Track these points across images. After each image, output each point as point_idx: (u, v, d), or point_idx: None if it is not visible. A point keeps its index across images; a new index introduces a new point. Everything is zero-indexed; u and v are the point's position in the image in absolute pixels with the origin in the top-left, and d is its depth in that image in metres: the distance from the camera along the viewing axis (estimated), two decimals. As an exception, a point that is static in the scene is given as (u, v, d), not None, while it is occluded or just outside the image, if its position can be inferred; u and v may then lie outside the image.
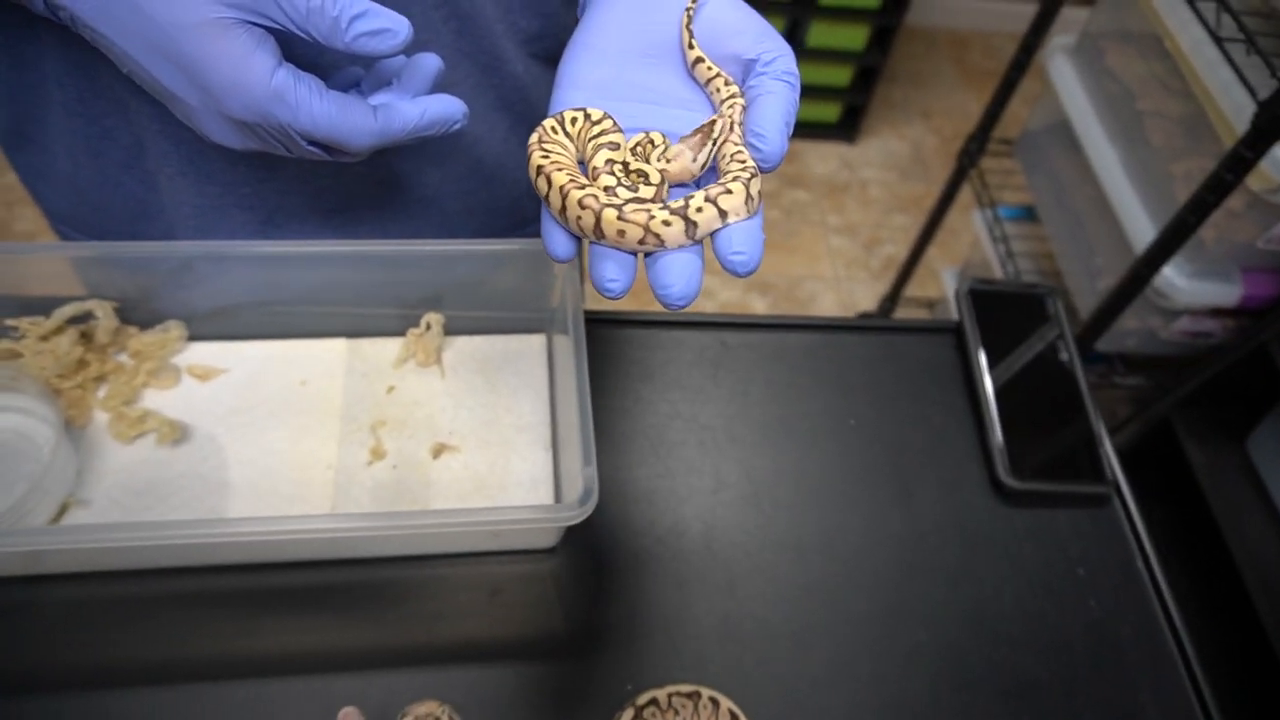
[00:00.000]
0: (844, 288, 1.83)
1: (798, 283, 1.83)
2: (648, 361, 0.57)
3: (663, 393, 0.56)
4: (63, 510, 0.46)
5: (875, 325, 0.63)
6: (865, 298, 1.81)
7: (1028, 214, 1.23)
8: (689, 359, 0.57)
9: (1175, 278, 0.94)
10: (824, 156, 2.06)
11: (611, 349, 0.57)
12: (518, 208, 0.59)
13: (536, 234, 0.62)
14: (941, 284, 1.59)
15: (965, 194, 1.30)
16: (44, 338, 0.49)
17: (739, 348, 0.59)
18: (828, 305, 1.80)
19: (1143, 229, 0.94)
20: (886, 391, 0.59)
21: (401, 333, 0.55)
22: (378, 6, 0.35)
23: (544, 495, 0.50)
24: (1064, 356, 0.62)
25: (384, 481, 0.50)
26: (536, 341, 0.56)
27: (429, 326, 0.54)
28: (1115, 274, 0.97)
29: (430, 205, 0.54)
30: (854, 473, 0.55)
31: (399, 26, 0.35)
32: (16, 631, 0.44)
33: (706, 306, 1.75)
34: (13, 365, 0.48)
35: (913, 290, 1.68)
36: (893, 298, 1.54)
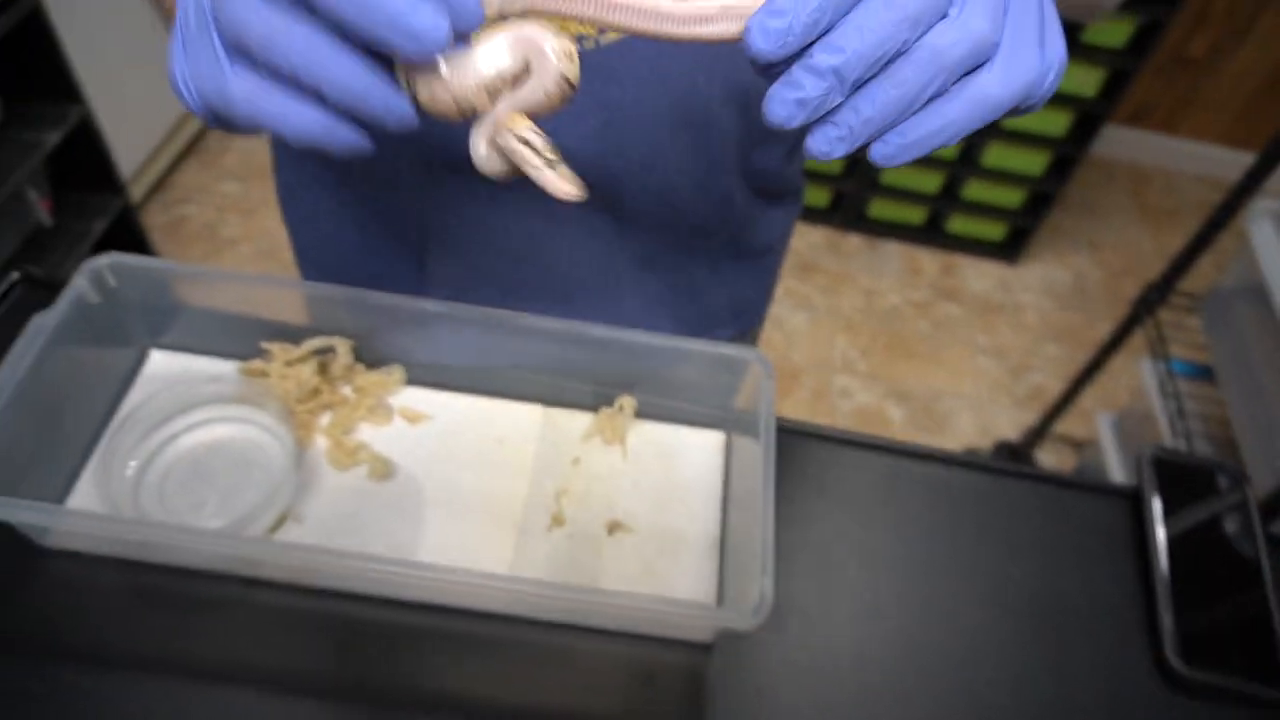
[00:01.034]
0: (985, 410, 1.79)
1: (938, 397, 1.80)
2: (822, 477, 0.58)
3: (833, 510, 0.57)
4: (280, 521, 0.51)
5: (1047, 477, 0.62)
6: (1005, 424, 1.76)
7: (1203, 373, 1.19)
8: (864, 481, 0.59)
9: (1368, 471, 0.88)
10: (982, 274, 2.04)
11: (789, 457, 0.59)
12: (713, 313, 0.62)
13: (726, 336, 0.66)
14: (1093, 425, 1.53)
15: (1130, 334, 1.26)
16: (289, 363, 0.55)
17: (912, 478, 0.60)
18: (965, 425, 1.76)
19: (1337, 414, 0.89)
20: (1052, 548, 0.58)
21: (592, 408, 0.59)
22: None
23: (707, 590, 0.52)
24: (1247, 543, 0.60)
25: (560, 548, 0.53)
26: (715, 439, 0.59)
27: (621, 408, 0.57)
28: (1299, 455, 0.92)
29: (639, 303, 0.58)
30: (1011, 628, 0.54)
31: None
32: (231, 626, 0.48)
33: (842, 406, 1.74)
34: (263, 384, 0.54)
35: (1060, 424, 1.62)
36: (1039, 431, 1.49)
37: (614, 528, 0.54)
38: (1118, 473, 1.30)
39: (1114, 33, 1.64)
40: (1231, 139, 2.31)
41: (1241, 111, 2.25)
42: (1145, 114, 2.29)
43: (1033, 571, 0.57)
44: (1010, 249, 2.05)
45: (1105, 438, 1.36)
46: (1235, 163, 2.33)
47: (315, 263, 0.65)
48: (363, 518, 0.52)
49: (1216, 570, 0.59)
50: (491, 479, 0.55)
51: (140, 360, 0.58)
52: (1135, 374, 1.75)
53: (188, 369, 0.57)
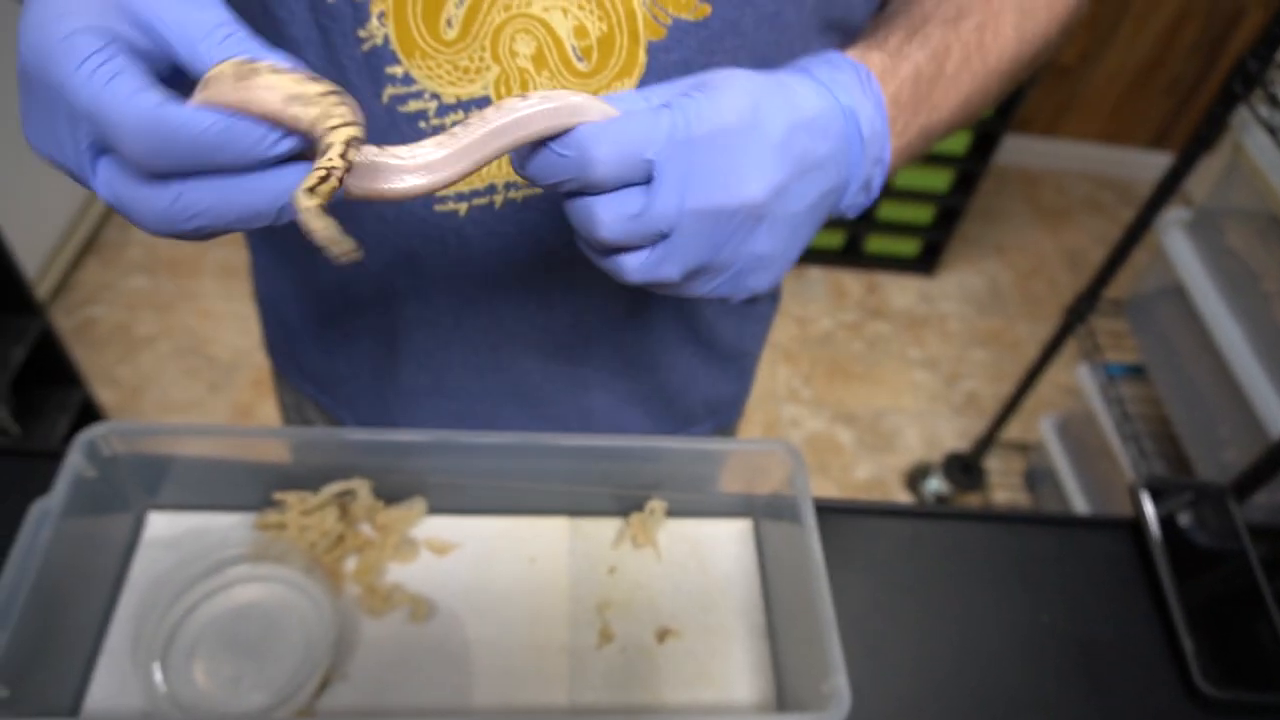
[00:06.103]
0: (927, 423, 1.85)
1: (881, 415, 1.85)
2: (846, 548, 0.59)
3: (861, 580, 0.58)
4: (325, 682, 0.49)
5: (1050, 518, 0.65)
6: (948, 434, 1.83)
7: (1134, 372, 1.26)
8: (884, 548, 0.60)
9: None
10: (903, 289, 2.11)
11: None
12: (688, 411, 0.63)
13: (705, 431, 0.66)
14: (1035, 429, 1.61)
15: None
16: (306, 512, 0.53)
17: (927, 537, 0.61)
18: (912, 441, 1.81)
19: (1276, 412, 0.96)
20: (1073, 588, 0.61)
21: (618, 512, 0.58)
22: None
23: (765, 686, 0.52)
24: (1240, 554, 0.64)
25: (615, 665, 0.52)
26: (743, 527, 0.59)
27: (652, 512, 0.57)
28: (1242, 447, 0.98)
29: (610, 401, 0.59)
30: (1047, 673, 0.56)
31: None
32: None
33: (794, 436, 1.77)
34: (283, 539, 0.52)
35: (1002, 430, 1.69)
36: (986, 441, 1.55)
37: (664, 635, 0.53)
38: (1068, 474, 1.36)
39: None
40: (1107, 136, 2.47)
41: (1114, 111, 2.41)
42: (1029, 121, 2.43)
43: (1061, 613, 0.59)
44: (926, 262, 2.13)
45: (1051, 442, 1.42)
46: (1113, 158, 2.49)
47: (282, 351, 0.64)
48: (410, 666, 0.50)
49: (1226, 589, 0.62)
50: (531, 601, 0.54)
51: (139, 525, 0.55)
52: (1064, 375, 1.84)
53: (191, 529, 0.54)
